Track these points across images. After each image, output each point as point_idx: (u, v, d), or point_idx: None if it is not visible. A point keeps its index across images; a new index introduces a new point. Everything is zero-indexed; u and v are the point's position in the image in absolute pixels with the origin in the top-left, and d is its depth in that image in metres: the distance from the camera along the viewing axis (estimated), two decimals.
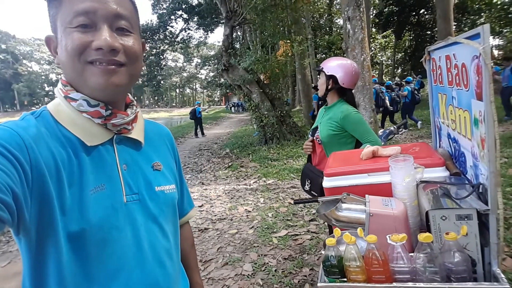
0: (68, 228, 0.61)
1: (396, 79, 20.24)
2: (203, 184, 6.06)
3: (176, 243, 0.83)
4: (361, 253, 0.93)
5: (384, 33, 25.53)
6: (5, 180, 0.51)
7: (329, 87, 2.02)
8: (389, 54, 28.97)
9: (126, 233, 0.68)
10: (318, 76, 2.12)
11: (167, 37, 19.24)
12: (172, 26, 19.13)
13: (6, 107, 66.96)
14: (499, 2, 19.47)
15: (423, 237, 0.85)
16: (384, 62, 29.63)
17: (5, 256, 3.50)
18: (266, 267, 2.79)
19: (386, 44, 26.74)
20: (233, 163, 7.55)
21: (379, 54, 27.28)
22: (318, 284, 0.97)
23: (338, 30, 23.02)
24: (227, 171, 6.96)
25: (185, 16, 18.21)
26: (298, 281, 2.54)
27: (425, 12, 23.56)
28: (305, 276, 2.60)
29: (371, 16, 21.17)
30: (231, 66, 9.30)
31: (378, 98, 8.70)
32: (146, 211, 0.73)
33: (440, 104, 1.37)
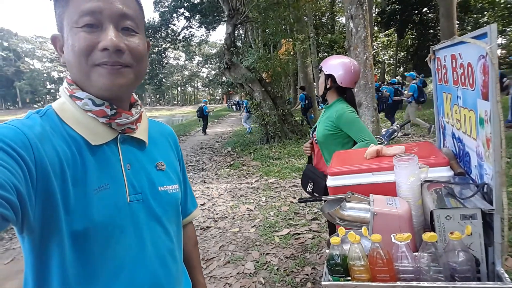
0: (71, 227, 0.61)
1: (397, 78, 20.17)
2: (205, 182, 6.07)
3: (179, 244, 0.83)
4: (365, 252, 0.94)
5: (387, 31, 25.44)
6: (10, 179, 0.51)
7: (328, 86, 2.00)
8: (391, 53, 28.88)
9: (129, 233, 0.68)
10: (319, 75, 2.11)
11: (169, 35, 19.23)
12: (174, 24, 19.13)
13: (8, 104, 67.21)
14: (502, 1, 19.38)
15: (427, 236, 0.85)
16: (386, 61, 29.54)
17: (8, 253, 3.52)
18: (268, 266, 2.80)
19: (388, 42, 26.66)
20: (235, 162, 7.56)
21: (381, 53, 27.19)
22: (322, 283, 0.98)
23: (340, 29, 22.97)
24: (229, 169, 6.97)
25: (187, 14, 18.20)
26: (300, 280, 2.54)
27: (428, 11, 23.45)
28: (307, 275, 2.60)
29: (373, 15, 21.11)
30: (233, 64, 9.30)
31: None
32: (149, 211, 0.73)
33: (445, 104, 1.37)
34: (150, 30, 17.85)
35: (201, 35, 21.93)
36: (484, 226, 0.87)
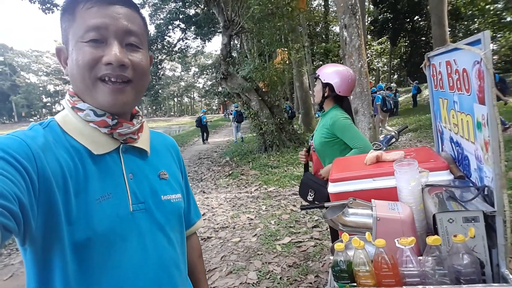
0: (73, 238, 0.61)
1: (391, 84, 20.38)
2: (204, 192, 6.05)
3: (183, 254, 0.82)
4: (370, 257, 0.94)
5: (380, 39, 25.82)
6: (12, 189, 0.51)
7: (326, 94, 2.01)
8: (385, 60, 29.25)
9: (132, 243, 0.68)
10: (314, 82, 2.12)
11: (165, 47, 19.35)
12: (169, 36, 19.25)
13: (4, 119, 66.87)
14: (491, 8, 19.80)
15: (431, 240, 0.86)
16: (380, 68, 29.88)
17: (7, 269, 3.46)
18: (271, 275, 2.77)
19: (382, 50, 27.02)
20: (233, 171, 7.55)
21: (375, 61, 27.53)
22: None
23: (335, 38, 23.27)
24: (227, 179, 6.95)
25: (182, 26, 18.35)
26: None
27: (420, 19, 23.89)
28: (311, 283, 2.58)
29: (366, 23, 21.44)
30: (230, 74, 9.37)
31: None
32: (152, 220, 0.73)
33: (442, 109, 1.39)
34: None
35: (197, 46, 22.10)
36: (486, 228, 0.88)
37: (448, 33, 11.90)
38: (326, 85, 1.99)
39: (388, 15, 23.78)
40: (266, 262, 3.00)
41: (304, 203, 2.07)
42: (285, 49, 11.07)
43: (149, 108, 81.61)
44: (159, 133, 0.91)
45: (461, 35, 22.11)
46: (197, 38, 19.85)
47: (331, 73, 1.98)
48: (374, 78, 27.74)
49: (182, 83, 73.57)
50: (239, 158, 9.30)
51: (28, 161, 0.57)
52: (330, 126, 1.92)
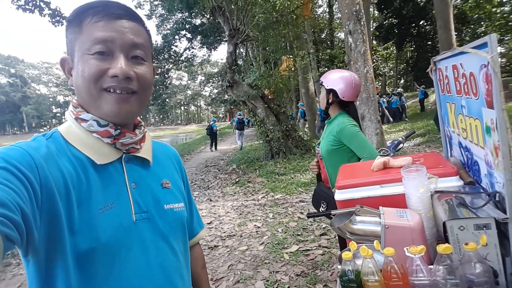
0: (76, 248, 0.61)
1: (398, 89, 20.25)
2: (211, 200, 6.04)
3: (186, 263, 0.82)
4: (379, 266, 0.92)
5: (385, 45, 25.78)
6: (15, 199, 0.51)
7: (330, 100, 1.98)
8: (391, 65, 29.16)
9: (136, 252, 0.68)
10: (320, 89, 2.11)
11: (172, 56, 19.65)
12: (176, 46, 19.57)
13: (14, 129, 68.22)
14: (498, 11, 19.66)
15: (442, 248, 0.83)
16: (386, 73, 29.79)
17: (16, 279, 3.49)
18: (278, 285, 2.73)
19: (388, 55, 26.95)
20: (240, 179, 7.54)
21: (381, 66, 27.46)
22: None
23: (340, 44, 23.32)
24: (234, 187, 6.94)
25: (188, 35, 18.64)
26: None
27: (425, 23, 23.82)
28: None
29: (372, 29, 21.46)
30: (236, 82, 9.43)
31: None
32: (155, 229, 0.73)
33: (449, 113, 1.37)
34: (153, 52, 18.19)
35: (203, 55, 22.45)
36: (499, 236, 0.86)
37: (455, 37, 11.83)
38: (330, 91, 1.97)
39: (393, 20, 23.77)
40: (273, 271, 2.96)
41: (311, 209, 2.04)
42: (290, 56, 11.13)
43: (157, 117, 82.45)
44: (161, 143, 0.92)
45: (468, 39, 21.95)
46: (203, 47, 20.13)
47: (334, 79, 1.96)
48: (380, 84, 27.64)
49: (189, 92, 74.31)
50: (246, 165, 9.29)
51: (31, 171, 0.57)
52: (337, 133, 1.89)
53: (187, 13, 16.32)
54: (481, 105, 0.98)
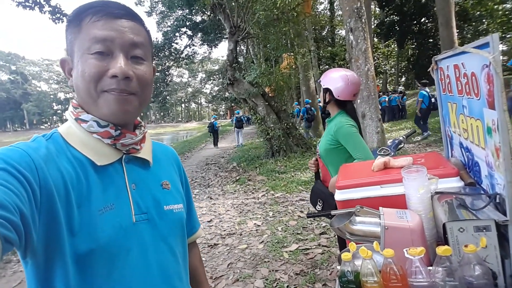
0: (76, 249, 0.61)
1: (400, 87, 20.20)
2: (211, 198, 6.04)
3: (185, 265, 0.82)
4: (378, 267, 0.91)
5: (386, 42, 25.69)
6: (14, 200, 0.51)
7: (326, 99, 2.00)
8: (392, 63, 29.07)
9: (135, 254, 0.68)
10: (320, 88, 2.12)
11: (172, 53, 19.59)
12: (176, 43, 19.50)
13: (15, 126, 68.32)
14: (500, 8, 19.56)
15: (441, 250, 0.83)
16: (387, 71, 29.70)
17: (16, 276, 3.50)
18: (278, 283, 2.74)
19: (389, 53, 26.86)
20: (240, 177, 7.54)
21: (382, 64, 27.38)
22: None
23: (341, 41, 23.25)
24: (234, 185, 6.94)
25: (189, 32, 18.58)
26: None
27: (427, 21, 23.69)
28: None
29: (373, 26, 21.37)
30: (236, 80, 9.41)
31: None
32: (155, 230, 0.73)
33: (451, 113, 1.36)
34: (154, 50, 18.14)
35: (204, 52, 22.37)
36: (499, 238, 0.85)
37: (456, 34, 11.78)
38: (327, 90, 1.98)
39: (394, 18, 23.66)
40: (273, 270, 2.97)
41: (311, 208, 2.04)
42: (291, 54, 11.10)
43: (157, 114, 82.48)
44: (160, 144, 0.92)
45: (470, 36, 21.84)
46: (204, 45, 20.06)
47: (330, 78, 1.96)
48: (381, 81, 27.55)
49: (190, 89, 74.28)
50: (246, 163, 9.28)
51: (30, 171, 0.57)
52: (335, 132, 1.89)
53: (187, 10, 16.27)
54: (483, 106, 0.97)
